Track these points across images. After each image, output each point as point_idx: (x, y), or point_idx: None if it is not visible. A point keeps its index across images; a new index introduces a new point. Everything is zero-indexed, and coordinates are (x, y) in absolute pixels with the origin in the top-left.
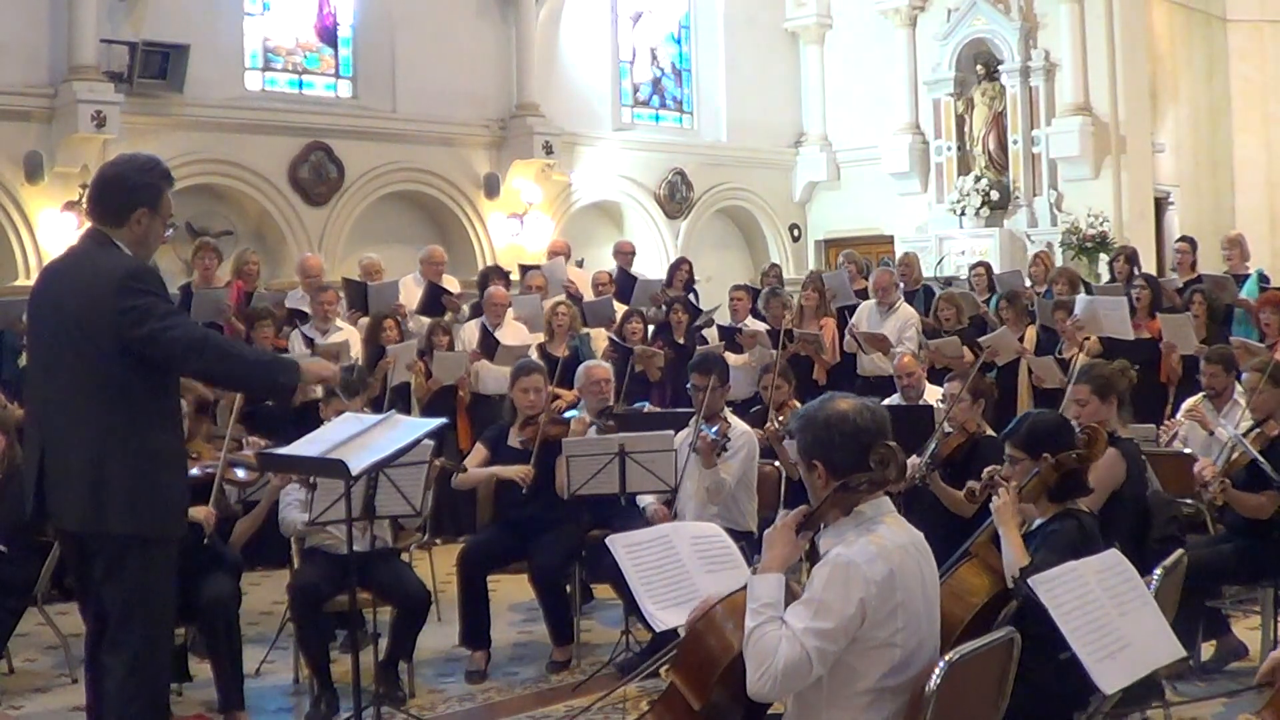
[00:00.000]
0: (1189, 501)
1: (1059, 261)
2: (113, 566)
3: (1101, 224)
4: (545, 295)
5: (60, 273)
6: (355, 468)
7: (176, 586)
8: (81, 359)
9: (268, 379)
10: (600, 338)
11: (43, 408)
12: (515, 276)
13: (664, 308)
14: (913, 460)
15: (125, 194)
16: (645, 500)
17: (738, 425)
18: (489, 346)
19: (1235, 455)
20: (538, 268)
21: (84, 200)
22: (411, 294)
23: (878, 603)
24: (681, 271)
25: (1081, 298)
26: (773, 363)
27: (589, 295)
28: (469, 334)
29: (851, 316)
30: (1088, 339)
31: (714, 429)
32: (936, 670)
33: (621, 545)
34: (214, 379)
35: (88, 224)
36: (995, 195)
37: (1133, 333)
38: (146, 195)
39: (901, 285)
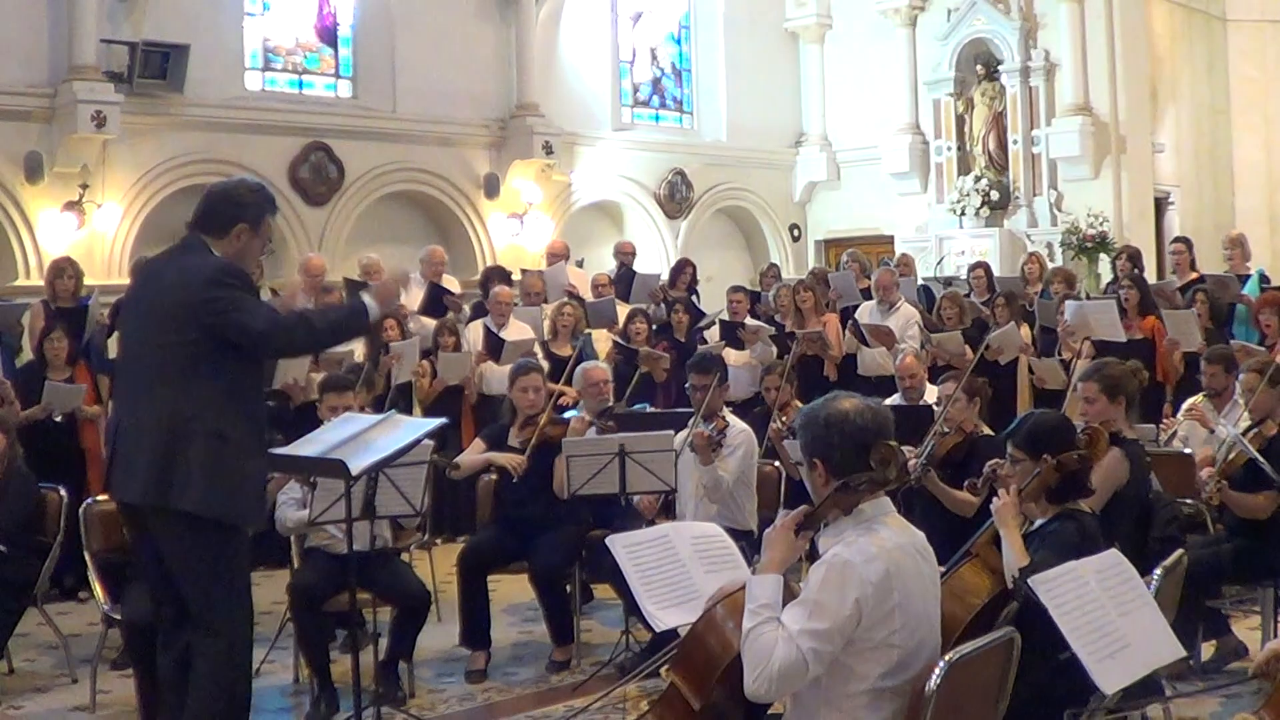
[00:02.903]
0: (1189, 501)
1: (1059, 262)
2: (178, 546)
3: (1101, 224)
4: (545, 300)
5: (155, 269)
6: (355, 468)
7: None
8: (165, 347)
9: (343, 337)
10: (602, 339)
11: (126, 392)
12: (517, 276)
13: (663, 305)
14: (911, 461)
15: (232, 208)
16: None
17: (736, 423)
18: (494, 346)
19: (1233, 455)
20: (539, 273)
21: (191, 214)
22: (412, 294)
23: (874, 603)
24: (685, 274)
25: (1071, 303)
26: (775, 364)
27: (589, 296)
28: (474, 334)
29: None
30: (1086, 340)
31: (710, 426)
32: (936, 670)
33: (621, 545)
34: (298, 353)
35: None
36: (995, 195)
37: (1124, 334)
38: (251, 213)
39: (901, 283)
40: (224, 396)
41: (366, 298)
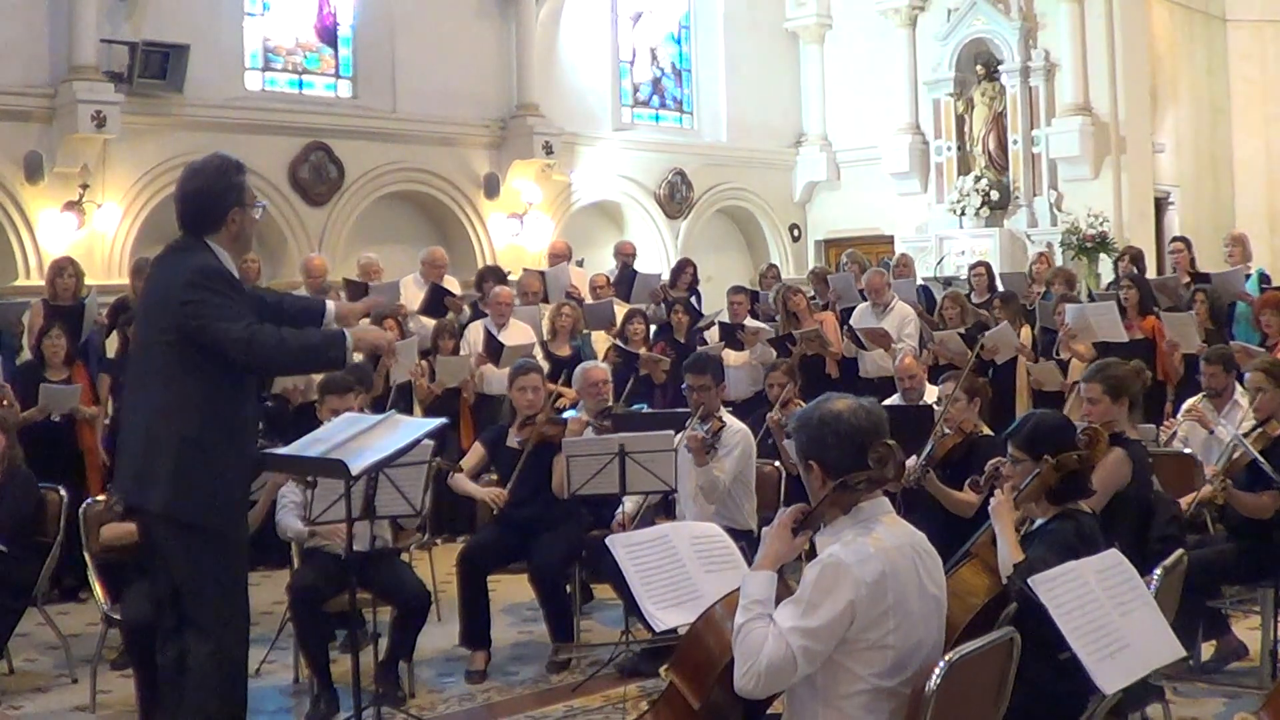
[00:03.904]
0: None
1: (1059, 262)
2: (165, 545)
3: (1101, 224)
4: (545, 301)
5: (155, 269)
6: (355, 468)
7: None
8: (153, 346)
9: (315, 362)
10: (600, 340)
11: (127, 391)
12: (514, 276)
13: (663, 305)
14: (910, 461)
15: (215, 202)
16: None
17: (733, 424)
18: (493, 348)
19: (1236, 455)
20: (539, 272)
21: (176, 218)
22: (412, 295)
23: (868, 604)
24: (686, 274)
25: (1071, 306)
26: (780, 361)
27: (588, 297)
28: (474, 335)
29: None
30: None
31: (705, 426)
32: (936, 670)
33: (621, 545)
34: (266, 372)
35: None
36: (995, 195)
37: (1125, 334)
38: (234, 195)
39: (897, 283)
40: (201, 400)
41: (349, 332)
